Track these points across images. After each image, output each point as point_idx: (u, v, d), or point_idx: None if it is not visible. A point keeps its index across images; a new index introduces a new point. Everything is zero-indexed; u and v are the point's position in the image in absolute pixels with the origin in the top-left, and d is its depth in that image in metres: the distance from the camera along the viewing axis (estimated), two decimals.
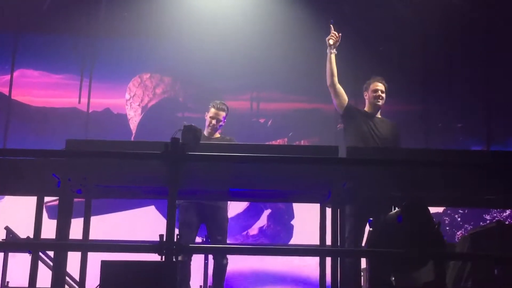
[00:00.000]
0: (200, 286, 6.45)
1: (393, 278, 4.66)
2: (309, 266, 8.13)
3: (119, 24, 9.14)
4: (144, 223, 8.22)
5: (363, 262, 4.94)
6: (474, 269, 4.42)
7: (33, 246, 4.51)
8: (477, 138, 9.40)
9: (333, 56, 5.74)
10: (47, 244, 5.05)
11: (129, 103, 9.30)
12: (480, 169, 4.12)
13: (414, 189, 4.37)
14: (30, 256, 4.39)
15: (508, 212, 9.00)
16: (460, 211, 8.99)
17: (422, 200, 4.28)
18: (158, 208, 8.49)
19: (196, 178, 4.33)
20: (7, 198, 8.32)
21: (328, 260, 4.40)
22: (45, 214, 4.48)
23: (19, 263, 6.02)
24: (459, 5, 9.16)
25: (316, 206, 4.79)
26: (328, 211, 4.50)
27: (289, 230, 8.97)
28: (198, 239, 6.08)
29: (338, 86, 5.72)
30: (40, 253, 5.27)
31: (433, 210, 5.19)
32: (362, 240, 4.90)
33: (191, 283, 5.82)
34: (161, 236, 3.65)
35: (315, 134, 9.25)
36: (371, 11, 9.22)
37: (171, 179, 3.71)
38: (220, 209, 5.89)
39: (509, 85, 9.18)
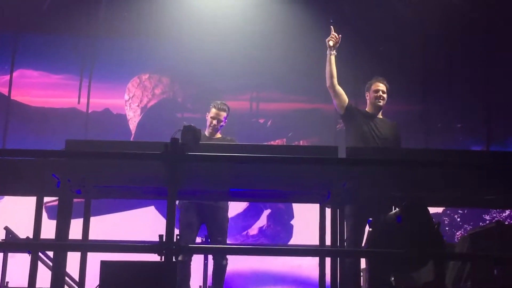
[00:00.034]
0: (200, 286, 6.45)
1: (393, 278, 4.66)
2: (308, 266, 8.13)
3: (119, 24, 9.14)
4: (144, 223, 8.22)
5: (363, 262, 4.94)
6: (473, 270, 4.43)
7: (33, 246, 4.50)
8: (477, 138, 9.40)
9: (333, 58, 5.74)
10: (47, 245, 5.04)
11: (128, 104, 9.30)
12: (479, 170, 4.12)
13: (414, 189, 4.37)
14: (30, 256, 4.39)
15: (507, 212, 9.00)
16: (459, 211, 8.99)
17: (421, 200, 4.28)
18: (157, 209, 8.49)
19: (196, 178, 4.33)
20: (7, 198, 8.31)
21: (328, 260, 4.40)
22: (44, 215, 4.47)
23: (19, 263, 6.02)
24: (459, 5, 9.15)
25: (316, 206, 4.79)
26: (328, 211, 4.49)
27: (288, 230, 8.97)
28: (198, 239, 6.08)
29: (338, 87, 5.72)
30: (40, 253, 5.26)
31: (432, 210, 5.18)
32: (362, 240, 4.91)
33: (190, 283, 5.81)
34: (160, 236, 3.65)
35: (314, 134, 9.25)
36: (371, 11, 9.22)
37: (171, 179, 3.72)
38: (221, 209, 5.88)
39: (509, 85, 9.18)
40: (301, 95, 9.28)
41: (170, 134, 3.94)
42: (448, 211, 8.98)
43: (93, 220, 4.93)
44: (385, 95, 5.82)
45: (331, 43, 5.77)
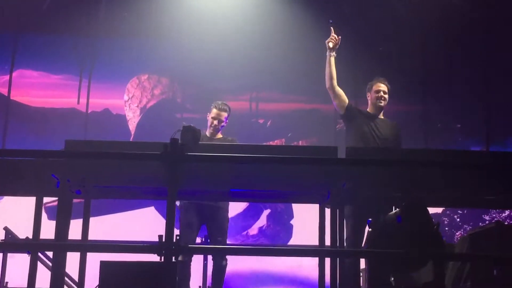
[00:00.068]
0: (199, 286, 6.44)
1: (393, 279, 4.66)
2: (308, 266, 8.13)
3: (119, 24, 9.14)
4: (144, 224, 8.22)
5: (362, 263, 4.94)
6: (473, 270, 4.42)
7: (32, 246, 4.50)
8: (476, 139, 9.40)
9: (332, 59, 5.75)
10: (46, 245, 5.04)
11: (128, 105, 9.30)
12: (479, 170, 4.12)
13: (414, 189, 4.37)
14: (29, 257, 4.39)
15: (507, 212, 9.00)
16: (459, 211, 8.99)
17: (421, 201, 4.28)
18: (157, 209, 8.49)
19: (196, 178, 4.33)
20: (6, 198, 8.31)
21: (327, 261, 4.40)
22: (44, 215, 4.47)
23: (18, 263, 6.02)
24: (459, 5, 9.15)
25: (316, 206, 4.79)
26: (327, 211, 4.49)
27: (288, 230, 8.97)
28: (198, 240, 6.08)
29: (337, 89, 5.73)
30: (39, 254, 5.26)
31: (432, 210, 5.18)
32: (362, 240, 4.90)
33: (190, 284, 5.81)
34: (160, 236, 3.65)
35: (314, 134, 9.25)
36: (371, 11, 9.22)
37: (170, 180, 3.72)
38: (221, 209, 5.88)
39: (508, 86, 9.18)
40: (301, 95, 9.28)
41: (169, 134, 3.94)
42: (447, 211, 8.98)
43: (93, 220, 4.93)
44: (386, 96, 5.83)
45: (330, 44, 5.77)
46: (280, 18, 9.15)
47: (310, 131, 9.27)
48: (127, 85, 9.29)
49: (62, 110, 9.15)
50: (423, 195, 4.43)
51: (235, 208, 8.63)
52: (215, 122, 5.99)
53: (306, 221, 7.05)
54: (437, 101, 9.36)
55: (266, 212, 9.04)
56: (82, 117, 9.09)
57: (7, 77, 9.12)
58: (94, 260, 4.00)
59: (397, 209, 4.36)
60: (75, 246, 4.63)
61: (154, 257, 3.74)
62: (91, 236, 4.92)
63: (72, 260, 4.60)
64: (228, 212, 6.00)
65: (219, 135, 6.05)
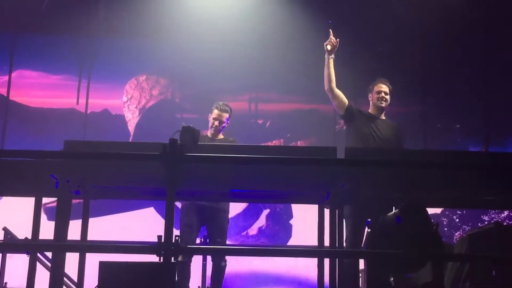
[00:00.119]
0: (198, 287, 6.44)
1: (392, 279, 4.66)
2: (307, 267, 8.13)
3: (118, 24, 9.14)
4: (143, 224, 8.22)
5: (362, 263, 4.94)
6: (472, 270, 4.43)
7: (31, 247, 4.50)
8: (476, 139, 9.40)
9: (331, 61, 5.75)
10: (45, 245, 5.04)
11: (127, 105, 9.30)
12: (478, 170, 4.12)
13: (413, 190, 4.37)
14: (28, 257, 4.39)
15: (506, 213, 9.00)
16: (458, 212, 8.99)
17: (420, 201, 4.28)
18: (157, 210, 8.49)
19: (195, 179, 4.33)
20: (5, 198, 8.29)
21: (327, 261, 4.39)
22: (44, 216, 4.48)
23: (17, 264, 6.02)
24: (458, 5, 9.14)
25: (315, 206, 4.78)
26: (327, 211, 4.49)
27: (288, 229, 8.97)
28: (197, 240, 6.07)
29: (336, 91, 5.74)
30: (38, 254, 5.26)
31: (431, 211, 5.18)
32: (361, 241, 4.90)
33: (189, 284, 5.81)
34: (159, 237, 3.65)
35: (313, 134, 9.25)
36: (370, 11, 9.21)
37: (169, 180, 3.71)
38: (221, 210, 5.88)
39: (508, 86, 9.18)
40: (300, 95, 9.28)
41: (168, 135, 3.94)
42: (446, 212, 8.98)
43: (92, 221, 4.92)
44: (387, 97, 5.84)
45: (329, 47, 5.78)
46: (280, 19, 9.15)
47: (309, 131, 9.27)
48: (126, 86, 9.29)
49: (61, 110, 9.14)
50: (422, 196, 4.43)
51: (235, 208, 8.63)
52: (216, 123, 5.99)
53: (306, 221, 7.05)
54: (436, 102, 9.36)
55: (266, 212, 9.05)
56: (81, 117, 9.09)
57: (6, 78, 9.11)
58: (93, 260, 4.00)
59: (396, 210, 4.36)
60: (74, 246, 4.63)
61: (153, 258, 3.74)
62: (90, 237, 4.91)
63: (71, 260, 4.60)
64: (228, 213, 6.00)
65: (221, 136, 6.06)
